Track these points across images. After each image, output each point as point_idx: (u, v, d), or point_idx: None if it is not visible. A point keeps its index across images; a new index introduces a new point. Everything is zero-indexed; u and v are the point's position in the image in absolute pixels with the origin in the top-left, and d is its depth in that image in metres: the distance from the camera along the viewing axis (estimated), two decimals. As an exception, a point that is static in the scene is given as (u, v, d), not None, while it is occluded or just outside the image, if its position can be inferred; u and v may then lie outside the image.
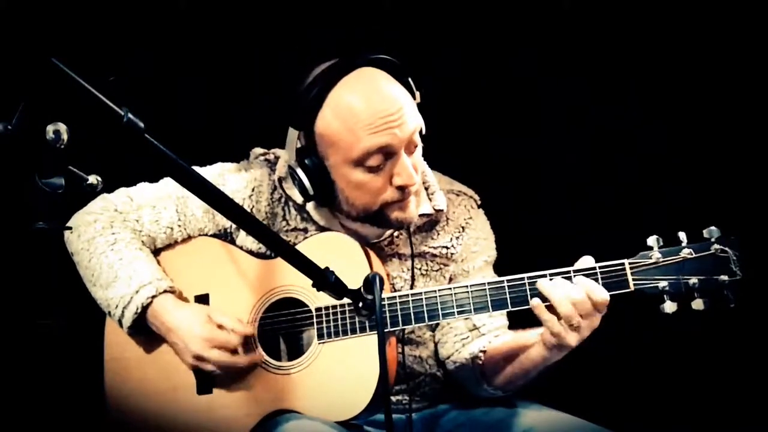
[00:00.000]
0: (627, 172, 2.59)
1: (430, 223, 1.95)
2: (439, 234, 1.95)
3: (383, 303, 1.71)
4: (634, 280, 1.66)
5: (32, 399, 2.06)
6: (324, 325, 1.78)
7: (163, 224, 1.91)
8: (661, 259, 1.66)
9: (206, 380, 1.84)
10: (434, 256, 1.94)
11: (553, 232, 2.53)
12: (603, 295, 1.62)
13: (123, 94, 1.03)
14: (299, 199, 1.86)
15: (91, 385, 1.93)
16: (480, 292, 1.71)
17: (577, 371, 2.30)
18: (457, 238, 1.96)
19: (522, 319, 1.78)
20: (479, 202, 2.03)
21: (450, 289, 1.73)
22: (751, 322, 2.29)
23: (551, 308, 1.64)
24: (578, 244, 1.72)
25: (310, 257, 1.37)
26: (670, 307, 1.64)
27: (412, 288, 1.88)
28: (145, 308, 1.82)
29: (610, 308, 1.64)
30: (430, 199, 1.93)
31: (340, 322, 1.77)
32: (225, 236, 1.94)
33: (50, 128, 0.91)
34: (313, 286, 1.40)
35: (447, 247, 1.95)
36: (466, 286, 1.72)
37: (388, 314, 1.73)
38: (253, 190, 1.90)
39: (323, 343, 1.78)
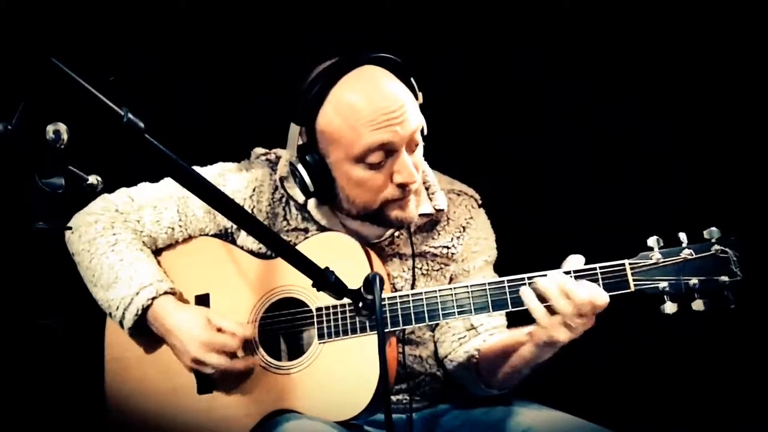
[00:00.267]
0: (627, 172, 2.59)
1: (431, 222, 1.95)
2: (439, 234, 1.95)
3: (383, 303, 1.71)
4: (634, 280, 1.66)
5: (32, 399, 2.06)
6: (324, 325, 1.78)
7: (165, 224, 1.91)
8: (662, 260, 1.66)
9: (207, 380, 1.84)
10: (435, 255, 1.94)
11: (553, 232, 2.53)
12: (605, 299, 1.62)
13: (123, 94, 1.03)
14: (300, 198, 1.86)
15: (91, 385, 1.92)
16: (480, 292, 1.71)
17: (577, 371, 2.31)
18: (458, 237, 1.96)
19: (522, 319, 1.78)
20: (480, 202, 2.03)
21: (450, 289, 1.73)
22: (751, 323, 2.29)
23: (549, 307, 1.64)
24: (578, 244, 1.72)
25: (310, 257, 1.37)
26: (670, 307, 1.64)
27: (413, 288, 1.88)
28: (145, 310, 1.82)
29: (610, 308, 1.64)
30: (430, 199, 1.93)
31: (340, 322, 1.77)
32: (226, 236, 1.94)
33: (50, 128, 0.91)
34: (313, 286, 1.40)
35: (448, 247, 1.95)
36: (467, 286, 1.72)
37: (388, 314, 1.73)
38: (254, 190, 1.90)
39: (323, 343, 1.78)
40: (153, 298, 1.81)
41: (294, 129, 1.78)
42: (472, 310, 1.71)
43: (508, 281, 1.69)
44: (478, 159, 2.59)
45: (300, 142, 1.79)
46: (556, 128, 2.62)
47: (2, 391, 2.17)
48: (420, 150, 1.80)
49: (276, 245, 1.38)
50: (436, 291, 1.73)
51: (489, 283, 1.71)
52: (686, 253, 1.65)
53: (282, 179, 1.89)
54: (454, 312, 1.72)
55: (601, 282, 1.65)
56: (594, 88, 2.56)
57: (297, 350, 1.85)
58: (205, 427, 1.81)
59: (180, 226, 1.92)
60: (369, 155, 1.71)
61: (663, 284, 1.64)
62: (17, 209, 0.94)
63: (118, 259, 1.86)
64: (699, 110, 2.48)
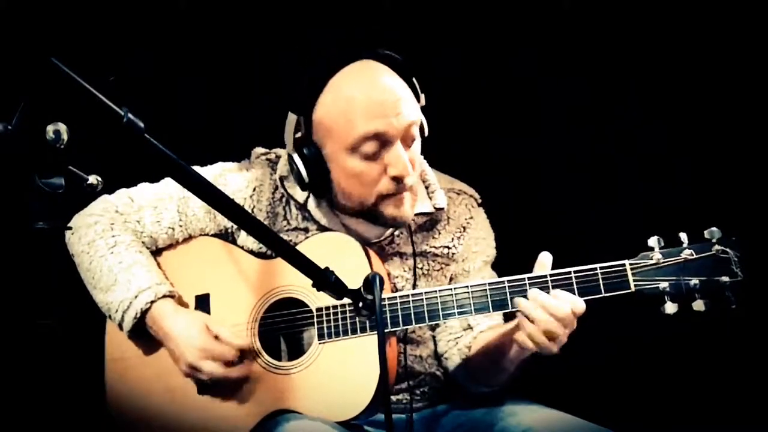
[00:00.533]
0: (627, 172, 2.58)
1: (431, 222, 1.95)
2: (440, 233, 1.95)
3: (383, 303, 1.71)
4: (634, 280, 1.66)
5: (33, 399, 2.06)
6: (324, 325, 1.78)
7: (165, 225, 1.91)
8: (662, 260, 1.66)
9: (206, 381, 1.84)
10: (435, 255, 1.94)
11: (553, 232, 2.53)
12: (582, 307, 1.63)
13: (123, 94, 1.03)
14: (301, 197, 1.87)
15: (91, 385, 1.92)
16: (480, 292, 1.71)
17: (577, 371, 2.30)
18: (459, 237, 1.96)
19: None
20: (480, 201, 2.03)
21: (450, 289, 1.73)
22: (752, 323, 2.29)
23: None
24: (578, 244, 1.72)
25: (310, 257, 1.37)
26: (670, 308, 1.64)
27: (414, 287, 1.88)
28: (144, 313, 1.82)
29: (610, 308, 1.64)
30: (430, 198, 1.93)
31: (340, 322, 1.77)
32: (226, 236, 1.94)
33: (50, 128, 0.91)
34: (313, 286, 1.40)
35: (448, 247, 1.95)
36: (467, 287, 1.72)
37: (388, 314, 1.73)
38: (254, 189, 1.90)
39: (324, 343, 1.78)
40: (152, 302, 1.81)
41: (291, 117, 1.78)
42: (473, 311, 1.71)
43: (508, 281, 1.70)
44: (478, 159, 2.59)
45: (297, 135, 1.79)
46: (556, 128, 2.62)
47: (2, 391, 2.17)
48: (417, 146, 1.80)
49: (276, 245, 1.38)
50: (436, 291, 1.73)
51: (489, 284, 1.71)
52: (687, 253, 1.65)
53: (282, 179, 1.90)
54: (455, 312, 1.72)
55: (601, 282, 1.65)
56: (594, 88, 2.56)
57: (297, 350, 1.85)
58: (205, 427, 1.81)
59: (180, 226, 1.92)
60: (363, 144, 1.71)
61: (663, 284, 1.64)
62: (17, 209, 0.94)
63: (117, 261, 1.86)
64: (699, 110, 2.47)
